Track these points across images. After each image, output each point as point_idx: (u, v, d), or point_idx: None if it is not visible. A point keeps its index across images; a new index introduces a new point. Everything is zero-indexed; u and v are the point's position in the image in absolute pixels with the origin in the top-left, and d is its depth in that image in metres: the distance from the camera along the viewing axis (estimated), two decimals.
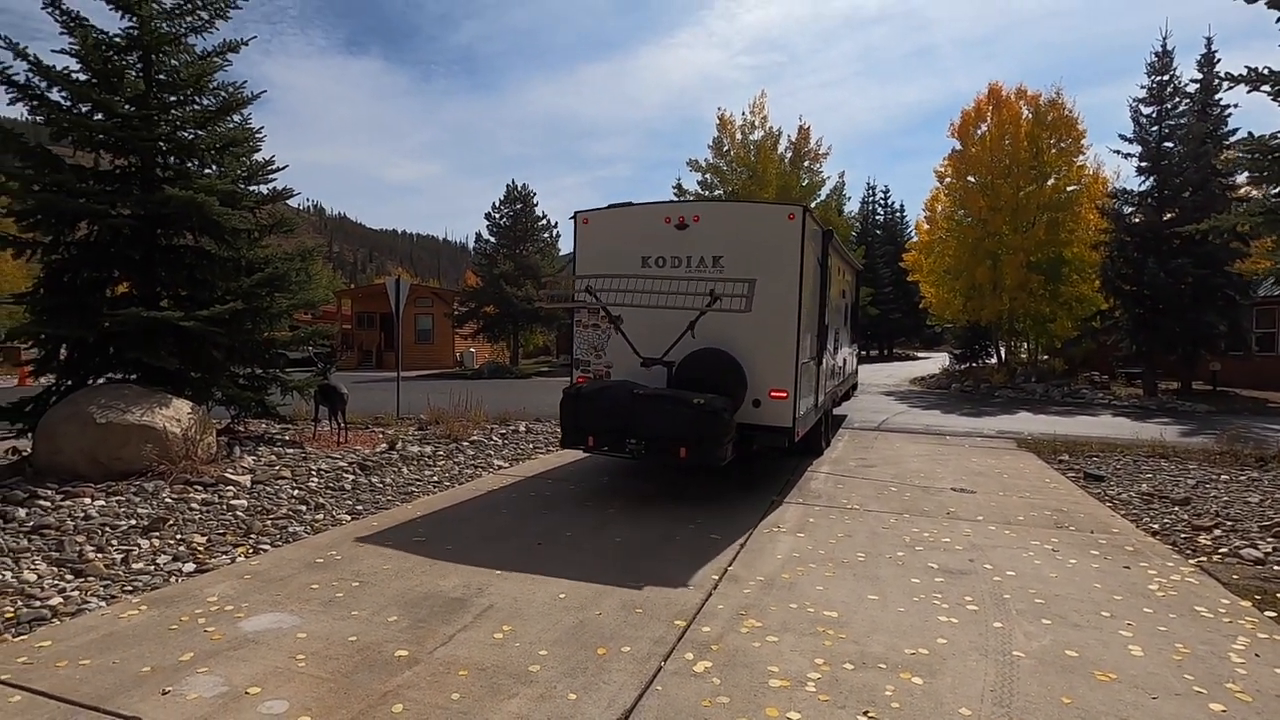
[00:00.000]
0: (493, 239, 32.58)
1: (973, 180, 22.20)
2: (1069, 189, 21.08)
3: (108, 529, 5.25)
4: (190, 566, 4.62)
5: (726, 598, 4.11)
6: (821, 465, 8.39)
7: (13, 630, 3.60)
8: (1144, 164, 18.74)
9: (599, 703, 2.91)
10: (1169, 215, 18.19)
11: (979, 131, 22.08)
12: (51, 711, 2.78)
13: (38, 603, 3.94)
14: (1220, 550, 5.20)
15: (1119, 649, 3.49)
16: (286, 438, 9.01)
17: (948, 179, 23.18)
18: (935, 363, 33.51)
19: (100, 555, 4.73)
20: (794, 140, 30.30)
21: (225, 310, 7.69)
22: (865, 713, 2.84)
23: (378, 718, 2.77)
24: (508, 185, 32.39)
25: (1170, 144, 18.62)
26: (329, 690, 2.98)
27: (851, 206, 42.68)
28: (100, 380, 7.98)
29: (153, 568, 4.58)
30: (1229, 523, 5.90)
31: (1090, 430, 12.15)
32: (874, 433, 11.65)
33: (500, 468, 8.08)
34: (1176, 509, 6.43)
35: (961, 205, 22.63)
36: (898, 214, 55.19)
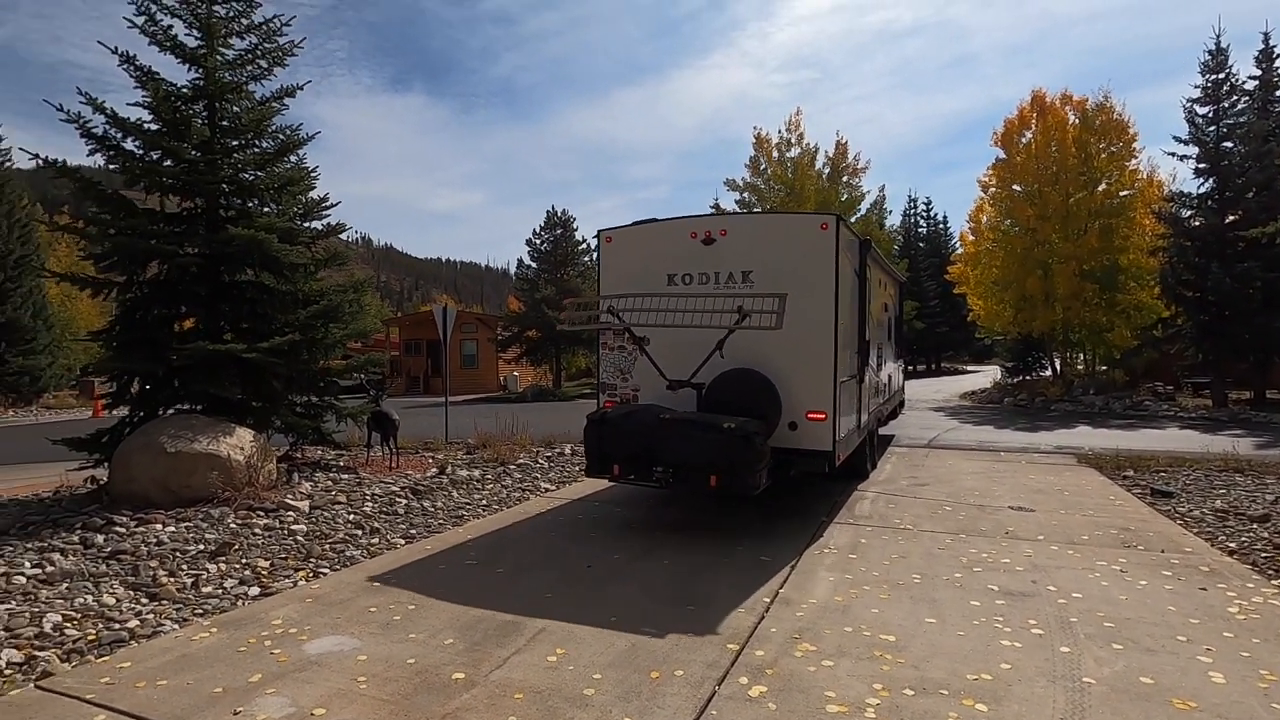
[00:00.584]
0: (534, 264, 33.21)
1: (1019, 189, 21.70)
2: (1122, 194, 20.42)
3: (178, 554, 5.48)
4: (255, 590, 4.79)
5: (779, 621, 4.06)
6: (870, 485, 8.22)
7: (95, 651, 3.79)
8: (1202, 165, 18.04)
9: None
10: (1232, 218, 17.44)
11: (1023, 139, 21.63)
12: None
13: (117, 625, 4.14)
14: None
15: (1198, 675, 3.32)
16: (341, 464, 9.29)
17: (992, 188, 22.72)
18: (986, 377, 32.55)
19: (172, 579, 4.95)
20: (831, 156, 30.18)
21: (284, 342, 8.03)
22: None
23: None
24: (548, 211, 33.04)
25: (1230, 144, 17.90)
26: (390, 712, 3.05)
27: (893, 220, 42.03)
28: (169, 411, 8.39)
29: (221, 591, 4.77)
30: None
31: (1156, 444, 11.61)
32: (924, 450, 11.36)
33: (547, 491, 8.16)
34: (1255, 526, 6.09)
35: (1008, 215, 22.12)
36: (941, 226, 54.14)
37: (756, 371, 6.29)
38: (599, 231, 7.41)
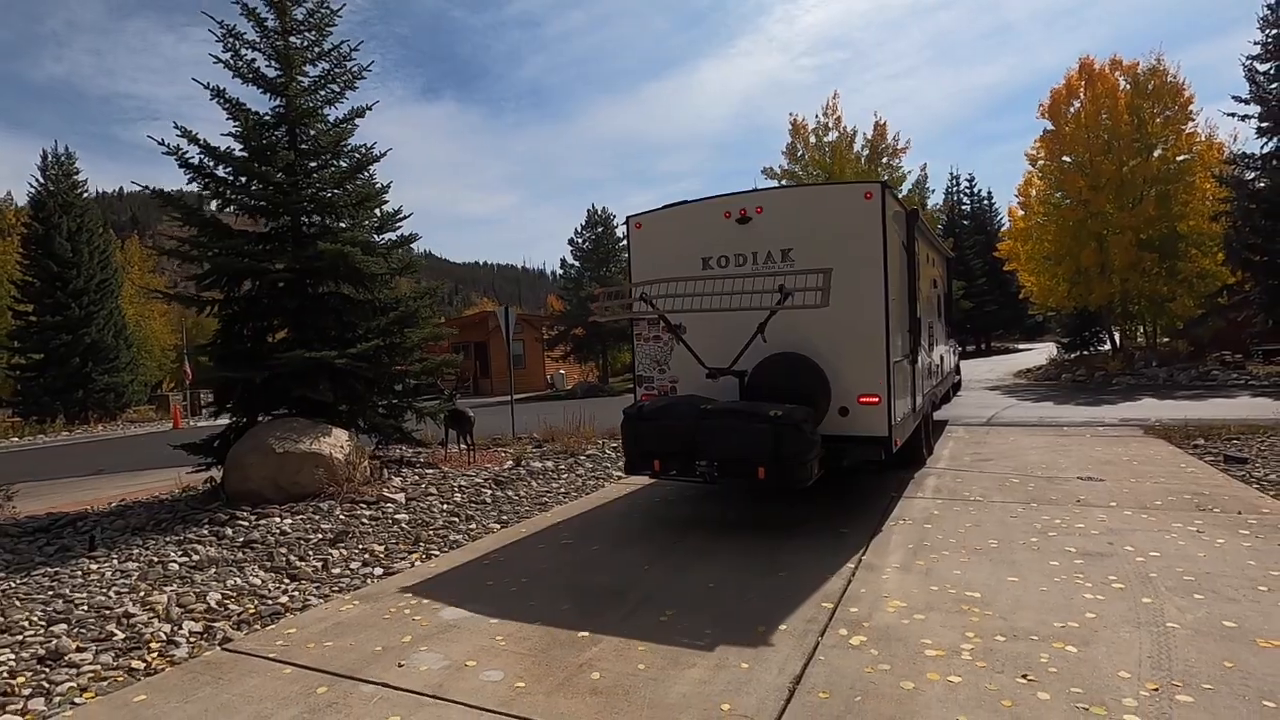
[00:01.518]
0: (576, 263, 33.78)
1: (1069, 160, 21.22)
2: (1179, 159, 19.82)
3: (302, 542, 6.05)
4: (379, 570, 5.30)
5: (866, 583, 4.35)
6: (934, 462, 8.38)
7: (258, 622, 4.32)
8: (1265, 124, 17.42)
9: (770, 670, 3.24)
10: None
11: (1071, 109, 21.14)
12: (320, 679, 3.39)
13: (270, 601, 4.68)
14: None
15: (1273, 611, 3.50)
16: (421, 460, 9.87)
17: (1040, 161, 22.28)
18: (1039, 354, 31.83)
19: (304, 563, 5.49)
20: (870, 138, 29.82)
21: (370, 347, 8.61)
22: (1024, 675, 3.04)
23: (580, 683, 3.22)
24: (588, 210, 33.59)
25: None
26: (533, 662, 3.46)
27: (935, 199, 41.32)
28: (265, 416, 9.06)
29: (349, 572, 5.29)
30: None
31: (1226, 413, 11.40)
32: (984, 428, 11.40)
33: (619, 478, 8.55)
34: None
35: (1058, 187, 21.66)
36: (985, 202, 52.91)
37: (802, 355, 5.95)
38: (628, 218, 7.13)
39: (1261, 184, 17.57)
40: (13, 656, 3.89)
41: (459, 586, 4.73)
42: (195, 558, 5.70)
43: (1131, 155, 19.87)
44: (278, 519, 6.79)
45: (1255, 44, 17.89)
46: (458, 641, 3.77)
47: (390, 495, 7.53)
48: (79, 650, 3.94)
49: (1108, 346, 23.72)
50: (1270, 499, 5.95)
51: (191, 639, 4.09)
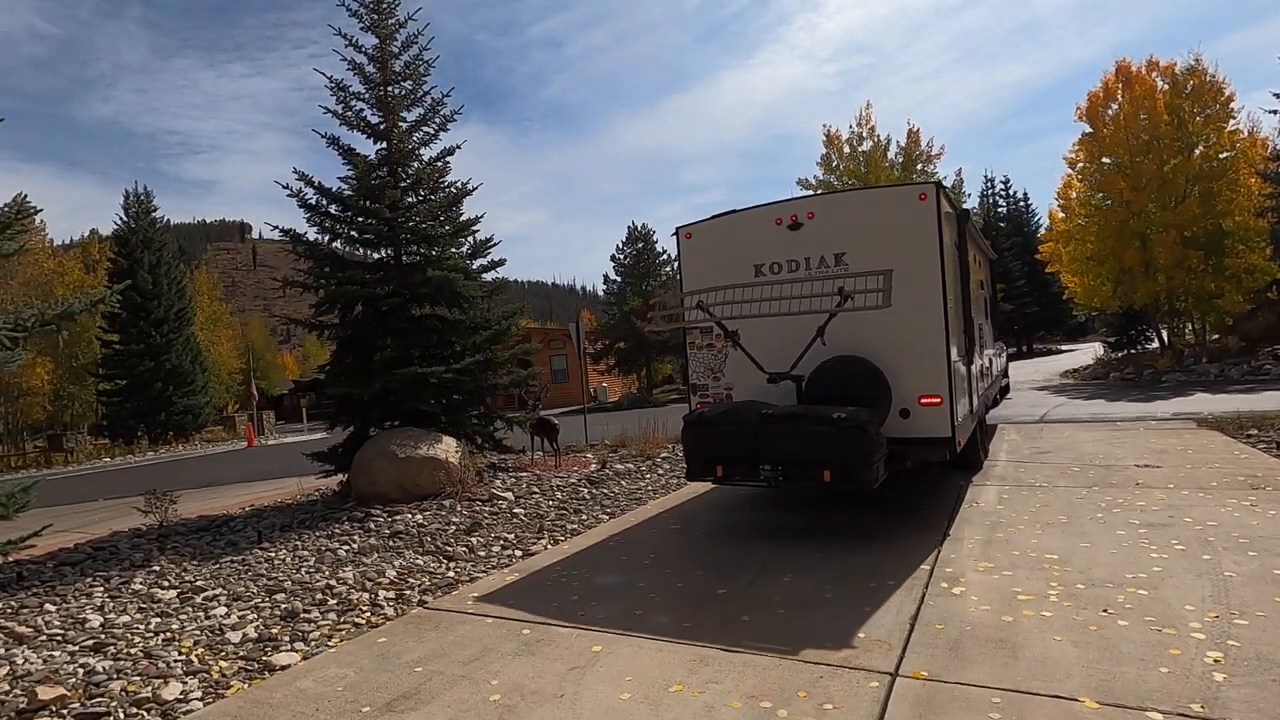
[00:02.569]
0: (618, 279, 34.81)
1: (1108, 161, 21.49)
2: (1221, 156, 19.97)
3: (441, 532, 6.94)
4: (519, 553, 6.13)
5: (955, 551, 5.04)
6: (995, 456, 8.96)
7: (438, 591, 5.17)
8: None
9: (889, 612, 3.97)
10: None
11: (1109, 112, 21.42)
12: (520, 625, 4.22)
13: (439, 575, 5.54)
14: None
15: None
16: (511, 465, 10.76)
17: (1080, 164, 22.54)
18: (1084, 354, 31.68)
19: (451, 549, 6.37)
20: (904, 145, 30.34)
21: (471, 363, 9.56)
22: (1104, 610, 3.72)
23: (734, 623, 3.99)
24: (629, 227, 34.68)
25: None
26: (688, 611, 4.25)
27: (970, 202, 41.48)
28: (374, 429, 10.04)
29: (493, 555, 6.13)
30: None
31: (1279, 405, 11.71)
32: (1038, 425, 11.88)
33: None
34: None
35: (1099, 189, 21.90)
36: (1021, 204, 52.66)
37: (860, 358, 5.97)
38: (677, 229, 7.18)
39: None
40: (257, 617, 4.82)
41: (598, 561, 5.54)
42: (355, 546, 6.63)
43: (1172, 154, 20.08)
44: (409, 515, 7.71)
45: None
46: (619, 598, 4.58)
47: (500, 494, 8.41)
48: (307, 611, 4.84)
49: (1155, 345, 23.72)
50: None
51: (390, 603, 4.96)
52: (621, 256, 34.75)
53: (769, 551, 5.43)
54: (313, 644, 4.26)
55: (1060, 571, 4.40)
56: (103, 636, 4.58)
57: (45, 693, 3.64)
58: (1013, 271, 41.90)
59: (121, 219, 28.17)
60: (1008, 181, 55.03)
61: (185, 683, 3.78)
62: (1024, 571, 4.46)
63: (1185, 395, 14.80)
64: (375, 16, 10.10)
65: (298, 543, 6.93)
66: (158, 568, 6.34)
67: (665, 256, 34.90)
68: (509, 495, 8.40)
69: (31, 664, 4.19)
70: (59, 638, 4.65)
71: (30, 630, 4.81)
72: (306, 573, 5.84)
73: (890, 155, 30.36)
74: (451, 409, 10.18)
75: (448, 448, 8.82)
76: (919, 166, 30.57)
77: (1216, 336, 22.46)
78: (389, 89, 10.20)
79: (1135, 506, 5.87)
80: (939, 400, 5.87)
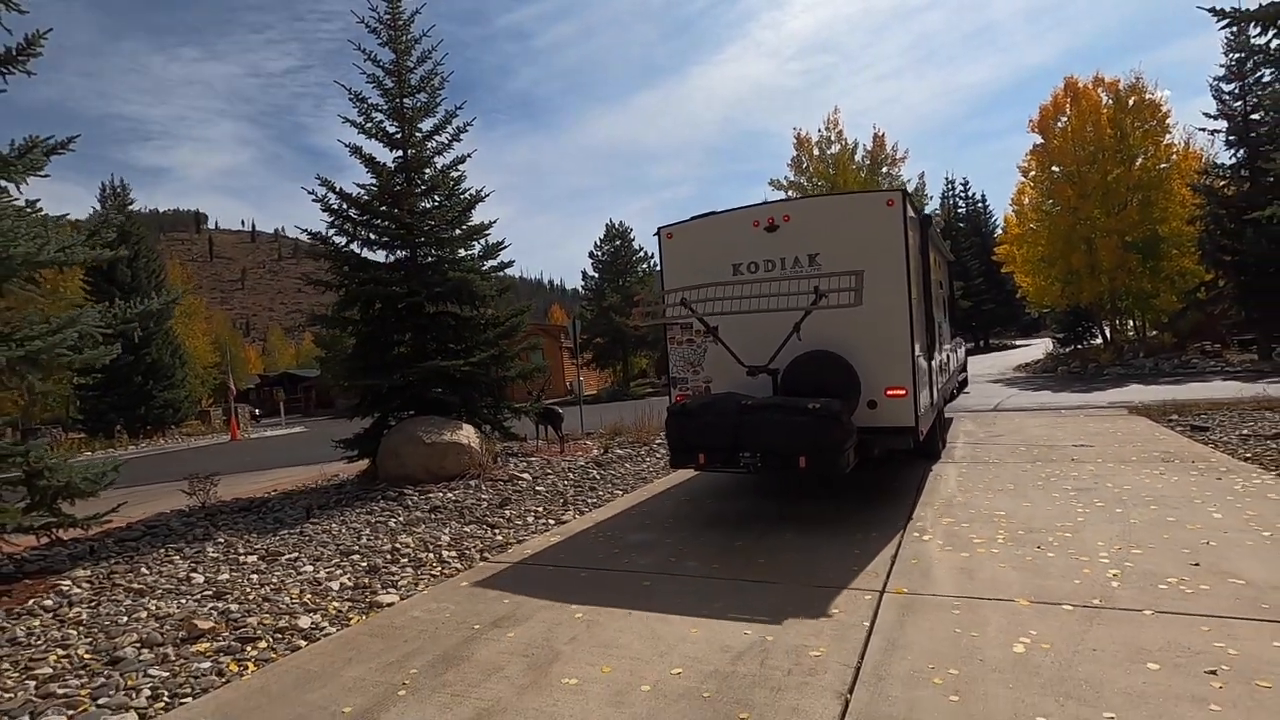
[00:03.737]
0: (596, 275, 35.65)
1: (1058, 170, 23.16)
2: (1160, 167, 21.75)
3: (476, 507, 7.81)
4: (552, 522, 7.05)
5: (924, 512, 6.13)
6: (955, 440, 10.16)
7: (492, 552, 6.07)
8: (1231, 138, 19.37)
9: (874, 554, 5.02)
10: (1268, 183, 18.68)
11: (1059, 124, 23.08)
12: (577, 571, 5.17)
13: (488, 539, 6.43)
14: None
15: (1205, 515, 5.30)
16: (520, 451, 11.63)
17: (1032, 172, 24.19)
18: (1037, 349, 33.69)
19: (490, 519, 7.26)
20: (870, 149, 31.77)
21: (485, 357, 10.40)
22: (1038, 546, 4.84)
23: (754, 564, 5.00)
24: (607, 225, 35.54)
25: (1257, 115, 19.16)
26: (713, 558, 5.24)
27: (932, 204, 43.36)
28: (392, 419, 10.80)
29: (529, 523, 7.04)
30: None
31: (1200, 394, 13.21)
32: (992, 413, 13.21)
33: None
34: (1268, 441, 7.92)
35: (1049, 195, 23.58)
36: (979, 204, 54.98)
37: (832, 352, 6.36)
38: (659, 229, 7.50)
39: (1230, 191, 19.47)
40: (343, 572, 5.66)
41: (625, 526, 6.51)
42: (402, 519, 7.47)
43: (1115, 165, 21.80)
44: (440, 494, 8.56)
45: (1221, 66, 19.84)
46: (652, 552, 5.55)
47: (519, 475, 9.31)
48: (386, 567, 5.70)
49: (1099, 340, 25.60)
50: (1218, 454, 7.74)
51: (455, 560, 5.85)
52: (600, 253, 35.61)
53: (772, 516, 6.47)
54: (404, 589, 5.14)
55: (1006, 523, 5.52)
56: (216, 588, 5.39)
57: (201, 624, 4.47)
58: (971, 270, 43.98)
59: (96, 210, 27.97)
60: (967, 183, 57.42)
61: (311, 617, 4.64)
62: (978, 524, 5.57)
63: (1122, 386, 16.38)
64: (392, 32, 10.82)
65: (344, 518, 7.72)
66: (222, 540, 7.09)
67: (642, 254, 35.93)
68: (527, 476, 9.30)
69: (166, 609, 4.99)
70: (175, 591, 5.44)
71: (145, 586, 5.59)
72: (367, 540, 6.68)
73: (857, 159, 31.72)
74: (466, 399, 11.00)
75: (468, 434, 9.67)
76: (884, 170, 32.04)
77: (1156, 333, 24.40)
78: (405, 100, 10.94)
79: (1069, 476, 7.07)
80: (904, 392, 6.30)
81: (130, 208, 29.39)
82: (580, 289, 39.36)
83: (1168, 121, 21.63)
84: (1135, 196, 21.65)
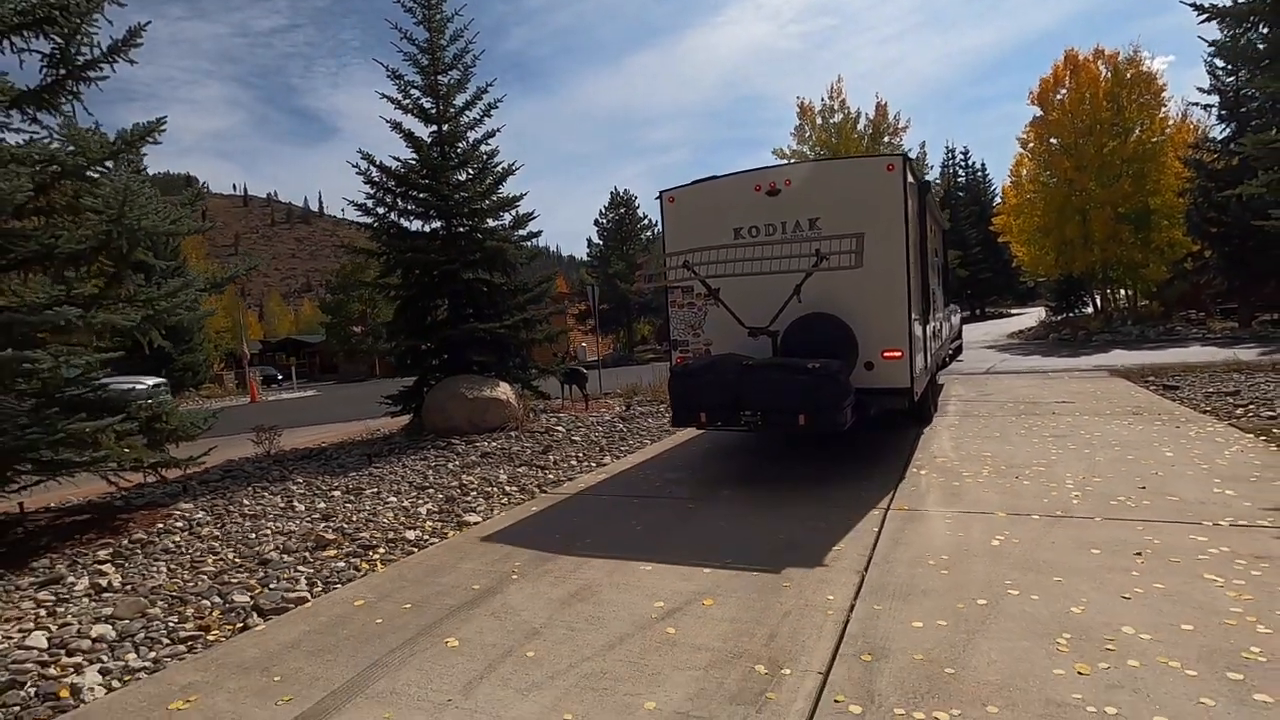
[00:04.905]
0: (601, 242, 36.26)
1: (1055, 143, 23.79)
2: (1153, 140, 22.41)
3: (521, 453, 8.75)
4: (593, 465, 8.00)
5: (922, 454, 7.09)
6: (948, 399, 11.12)
7: (548, 487, 7.02)
8: (1223, 112, 20.02)
9: (880, 482, 5.98)
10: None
11: (1058, 97, 23.63)
12: (629, 499, 6.12)
13: (541, 478, 7.37)
14: (1247, 415, 7.74)
15: (1159, 453, 6.27)
16: (548, 408, 12.57)
17: (1031, 144, 24.80)
18: (1031, 318, 34.65)
19: (540, 462, 8.19)
20: (873, 118, 32.20)
21: (517, 320, 11.26)
22: (1016, 477, 5.80)
23: (782, 487, 5.95)
24: (611, 192, 36.02)
25: (1249, 91, 19.76)
26: (743, 484, 6.20)
27: (933, 174, 43.88)
28: (432, 378, 11.68)
29: (574, 466, 7.98)
30: (1263, 401, 8.36)
31: (1177, 359, 14.19)
32: (984, 375, 14.16)
33: None
34: (1227, 398, 8.89)
35: (1047, 167, 24.24)
36: (979, 174, 55.34)
37: (831, 315, 6.52)
38: (660, 193, 7.60)
39: (1219, 165, 20.20)
40: (425, 502, 6.60)
41: (660, 466, 7.47)
42: (457, 463, 8.41)
43: (1111, 138, 22.45)
44: (486, 443, 9.50)
45: (1212, 44, 20.30)
46: (690, 483, 6.51)
47: (554, 428, 10.25)
48: (461, 498, 6.65)
49: (1090, 309, 26.52)
50: (1182, 408, 8.71)
51: (516, 493, 6.80)
52: (604, 221, 36.17)
53: (790, 459, 7.42)
54: (482, 513, 6.10)
55: (992, 461, 6.49)
56: (320, 513, 6.34)
57: (326, 535, 5.42)
58: (969, 239, 44.65)
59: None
60: (967, 152, 57.69)
61: (413, 532, 5.59)
62: (967, 463, 6.53)
63: (1107, 352, 17.35)
64: (426, 11, 11.41)
65: (403, 463, 8.66)
66: (301, 480, 8.03)
67: (645, 221, 36.51)
68: (561, 429, 10.24)
69: (285, 528, 5.93)
70: (284, 515, 6.39)
71: (256, 513, 6.54)
72: (434, 478, 7.62)
73: (859, 127, 32.13)
74: (499, 360, 11.90)
75: (506, 390, 10.59)
76: (886, 139, 32.48)
77: (1147, 302, 25.31)
78: (439, 77, 11.58)
79: (1049, 426, 8.03)
80: (900, 354, 6.50)
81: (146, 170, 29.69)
82: (585, 256, 39.97)
83: (1163, 95, 22.24)
84: (1129, 169, 22.35)
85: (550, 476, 7.41)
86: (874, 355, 6.54)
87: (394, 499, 6.79)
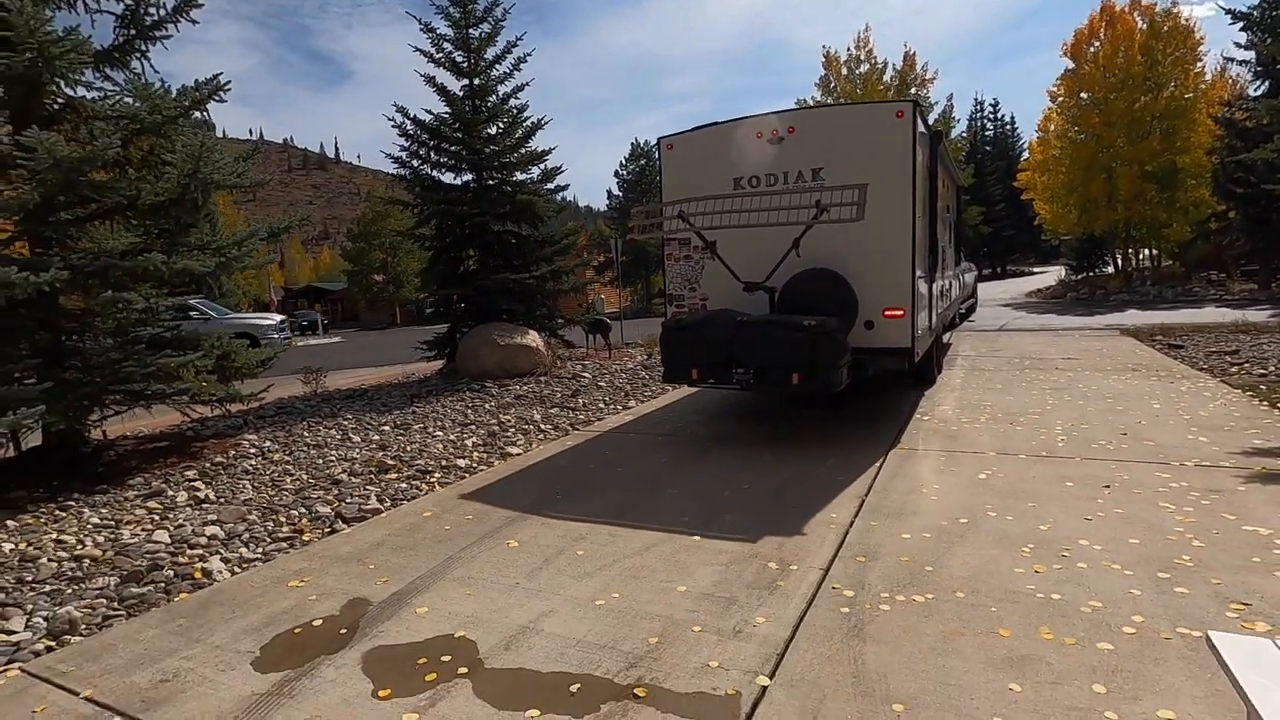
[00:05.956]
0: (621, 195, 36.29)
1: (1086, 97, 23.40)
2: (1186, 96, 21.99)
3: (552, 396, 9.39)
4: (620, 407, 8.61)
5: (927, 402, 7.63)
6: (956, 355, 11.56)
7: (580, 426, 7.65)
8: (1258, 69, 19.59)
9: (885, 429, 6.54)
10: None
11: (1091, 49, 23.13)
12: (657, 436, 6.75)
13: (573, 418, 8.02)
14: (1241, 372, 8.16)
15: (1146, 405, 6.76)
16: (572, 356, 13.18)
17: (1060, 98, 24.40)
18: (1051, 277, 34.49)
19: (570, 405, 8.83)
20: (900, 69, 31.62)
21: (546, 271, 11.79)
22: (1011, 424, 6.33)
23: (799, 429, 6.54)
24: (632, 144, 35.89)
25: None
26: (759, 429, 6.79)
27: (960, 127, 42.92)
28: (464, 326, 12.29)
29: (603, 408, 8.59)
30: (1258, 361, 8.75)
31: (1188, 320, 14.44)
32: (996, 332, 14.54)
33: None
34: (1227, 356, 9.28)
35: (1075, 123, 23.90)
36: (1008, 127, 54.01)
37: (831, 270, 6.32)
38: (659, 139, 7.35)
39: (1250, 124, 19.86)
40: (469, 435, 7.27)
41: (682, 410, 8.07)
42: (492, 404, 9.07)
43: (1143, 93, 22.05)
44: (518, 387, 10.15)
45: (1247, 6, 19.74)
46: (707, 426, 7.12)
47: (580, 374, 10.87)
48: (502, 433, 7.31)
49: (1111, 269, 26.46)
50: (1181, 365, 9.12)
51: (551, 430, 7.45)
52: (624, 173, 36.13)
53: (802, 405, 7.99)
54: (523, 447, 6.76)
55: (990, 409, 7.01)
56: (377, 444, 7.04)
57: (387, 460, 6.12)
58: (994, 195, 44.02)
59: None
60: (996, 104, 56.13)
61: (463, 460, 6.26)
62: (967, 410, 7.07)
63: (1122, 312, 17.57)
64: None
65: (442, 403, 9.34)
66: (351, 416, 8.74)
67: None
68: (587, 375, 10.87)
69: (347, 456, 6.64)
70: (344, 445, 7.09)
71: (318, 443, 7.26)
72: (474, 417, 8.29)
73: (886, 79, 31.59)
74: (527, 309, 12.47)
75: (535, 338, 11.19)
76: (913, 90, 31.90)
77: (1170, 262, 25.23)
78: (470, 30, 11.82)
79: (1049, 380, 8.50)
80: (902, 313, 6.25)
81: None
82: (604, 208, 40.02)
83: (1199, 50, 21.71)
84: (1159, 126, 22.03)
85: (581, 417, 8.04)
86: (875, 314, 6.33)
87: (440, 433, 7.47)
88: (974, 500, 4.40)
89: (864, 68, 31.21)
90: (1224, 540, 3.57)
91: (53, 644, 3.31)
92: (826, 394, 6.17)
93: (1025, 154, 37.56)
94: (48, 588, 3.91)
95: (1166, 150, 21.81)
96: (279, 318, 17.95)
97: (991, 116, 53.93)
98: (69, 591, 3.85)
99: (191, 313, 15.48)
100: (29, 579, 4.02)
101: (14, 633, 3.41)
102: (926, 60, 31.86)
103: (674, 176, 7.19)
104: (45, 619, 3.52)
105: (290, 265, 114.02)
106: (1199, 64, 21.80)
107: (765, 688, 2.56)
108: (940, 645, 2.76)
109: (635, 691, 2.57)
